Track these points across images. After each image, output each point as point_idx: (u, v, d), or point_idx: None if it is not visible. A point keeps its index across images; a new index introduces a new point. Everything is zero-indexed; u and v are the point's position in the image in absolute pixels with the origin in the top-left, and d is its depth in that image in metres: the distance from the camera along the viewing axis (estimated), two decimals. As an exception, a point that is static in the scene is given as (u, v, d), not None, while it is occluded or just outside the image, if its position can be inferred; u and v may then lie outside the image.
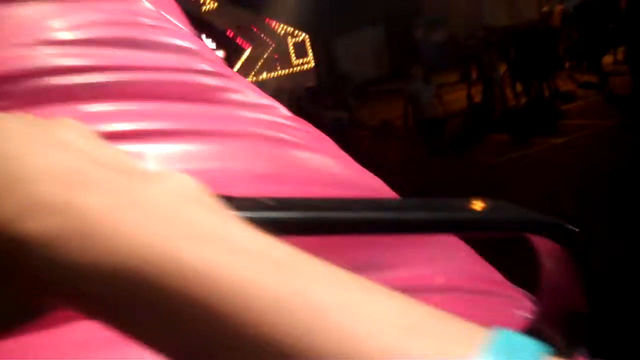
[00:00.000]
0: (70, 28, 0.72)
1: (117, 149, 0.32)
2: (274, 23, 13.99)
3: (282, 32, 14.17)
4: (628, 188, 4.45)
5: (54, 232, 0.26)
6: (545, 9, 11.75)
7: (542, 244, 0.44)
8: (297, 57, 14.39)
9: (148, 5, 0.76)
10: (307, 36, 14.43)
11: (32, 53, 0.70)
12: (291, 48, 14.29)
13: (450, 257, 0.72)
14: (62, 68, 0.69)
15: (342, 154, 0.79)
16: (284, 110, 0.80)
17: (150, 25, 0.75)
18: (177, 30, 0.77)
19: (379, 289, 0.26)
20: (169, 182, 0.29)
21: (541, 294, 0.48)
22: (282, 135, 0.71)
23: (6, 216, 0.27)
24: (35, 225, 0.26)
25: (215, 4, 13.46)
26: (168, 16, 0.78)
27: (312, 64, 14.56)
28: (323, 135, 0.82)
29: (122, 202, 0.27)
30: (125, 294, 0.25)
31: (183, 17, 0.81)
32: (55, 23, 0.73)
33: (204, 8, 13.39)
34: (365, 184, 0.76)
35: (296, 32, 14.26)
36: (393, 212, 0.39)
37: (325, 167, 0.71)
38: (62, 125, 0.32)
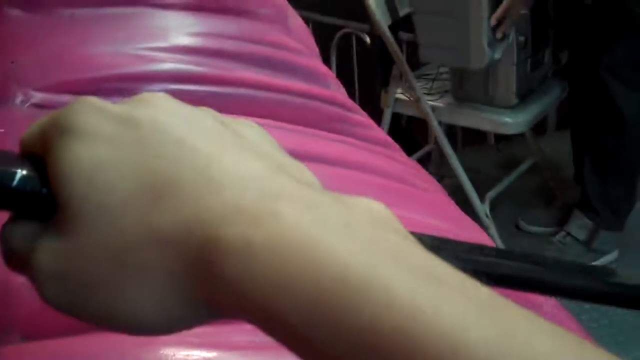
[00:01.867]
0: (206, 37, 0.73)
1: (296, 160, 0.31)
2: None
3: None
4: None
5: (255, 241, 0.23)
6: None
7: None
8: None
9: (285, 26, 0.76)
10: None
11: (165, 56, 0.70)
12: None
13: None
14: (193, 75, 0.69)
15: (448, 197, 0.77)
16: (400, 150, 0.78)
17: (284, 47, 0.75)
18: (308, 55, 0.77)
19: (585, 342, 0.23)
20: (364, 206, 0.26)
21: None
22: (401, 174, 0.69)
23: (203, 217, 0.25)
24: (236, 231, 0.24)
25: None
26: (302, 40, 0.78)
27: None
28: (432, 178, 0.80)
29: (325, 219, 0.24)
30: (318, 316, 0.23)
31: (314, 43, 0.81)
32: (191, 30, 0.73)
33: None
34: (470, 224, 0.73)
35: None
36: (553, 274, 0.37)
37: (440, 207, 0.68)
38: (249, 127, 0.30)
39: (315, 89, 0.74)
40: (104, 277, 0.26)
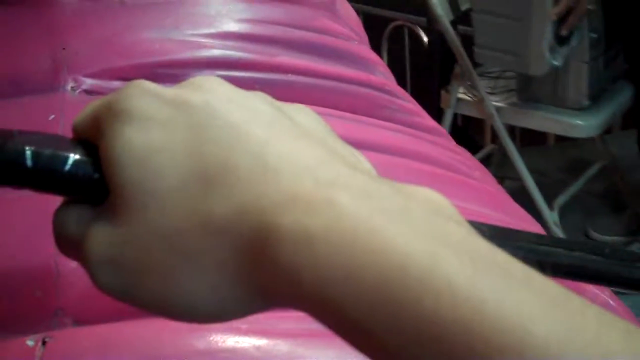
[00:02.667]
0: (254, 23, 0.72)
1: (350, 147, 0.30)
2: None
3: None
4: None
5: (312, 230, 0.23)
6: None
7: None
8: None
9: (333, 12, 0.75)
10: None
11: (213, 43, 0.70)
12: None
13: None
14: (241, 62, 0.69)
15: (498, 185, 0.76)
16: (450, 138, 0.77)
17: (331, 33, 0.74)
18: (356, 41, 0.76)
19: None
20: (422, 195, 0.25)
21: None
22: (451, 162, 0.68)
23: (258, 205, 0.24)
24: (292, 219, 0.23)
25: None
26: (350, 26, 0.77)
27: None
28: (482, 166, 0.78)
29: (383, 208, 0.23)
30: (377, 307, 0.22)
31: (363, 30, 0.80)
32: (239, 17, 0.73)
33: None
34: (522, 214, 0.71)
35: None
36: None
37: (491, 196, 0.67)
38: (303, 113, 0.29)
39: (363, 76, 0.73)
40: (156, 263, 0.26)
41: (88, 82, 0.59)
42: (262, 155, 0.25)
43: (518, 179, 1.92)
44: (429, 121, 0.75)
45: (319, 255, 0.23)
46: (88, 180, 0.27)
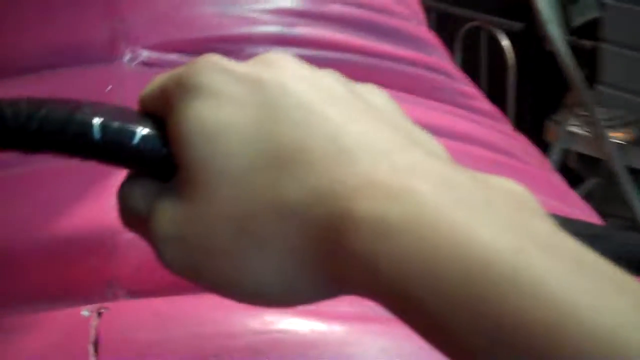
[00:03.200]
0: (310, 0, 0.71)
1: (425, 131, 0.29)
2: None
3: None
4: None
5: (390, 218, 0.22)
6: None
7: None
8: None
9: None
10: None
11: (269, 18, 0.69)
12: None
13: None
14: (297, 39, 0.68)
15: (556, 173, 0.74)
16: (508, 123, 0.75)
17: (389, 12, 0.72)
18: (412, 20, 0.74)
19: None
20: (504, 186, 0.24)
21: None
22: (509, 148, 0.66)
23: (333, 189, 0.23)
24: (369, 206, 0.22)
25: None
26: (407, 4, 0.75)
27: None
28: (540, 154, 0.76)
29: (464, 198, 0.22)
30: (457, 301, 0.21)
31: (420, 8, 0.78)
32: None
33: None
34: (589, 211, 0.69)
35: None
36: None
37: (554, 186, 0.65)
38: (376, 94, 0.28)
39: (418, 56, 0.71)
40: (224, 244, 0.25)
41: (145, 54, 0.59)
42: (336, 138, 0.24)
43: (625, 217, 1.64)
44: (486, 105, 0.73)
45: (397, 245, 0.22)
46: (156, 155, 0.27)
